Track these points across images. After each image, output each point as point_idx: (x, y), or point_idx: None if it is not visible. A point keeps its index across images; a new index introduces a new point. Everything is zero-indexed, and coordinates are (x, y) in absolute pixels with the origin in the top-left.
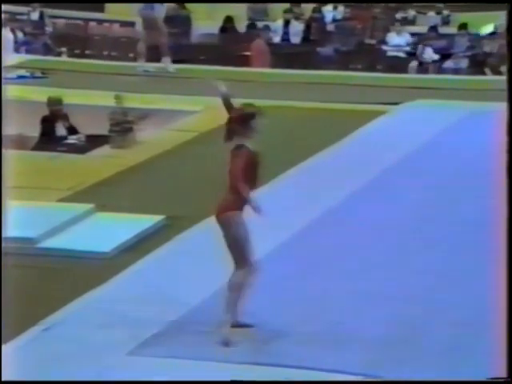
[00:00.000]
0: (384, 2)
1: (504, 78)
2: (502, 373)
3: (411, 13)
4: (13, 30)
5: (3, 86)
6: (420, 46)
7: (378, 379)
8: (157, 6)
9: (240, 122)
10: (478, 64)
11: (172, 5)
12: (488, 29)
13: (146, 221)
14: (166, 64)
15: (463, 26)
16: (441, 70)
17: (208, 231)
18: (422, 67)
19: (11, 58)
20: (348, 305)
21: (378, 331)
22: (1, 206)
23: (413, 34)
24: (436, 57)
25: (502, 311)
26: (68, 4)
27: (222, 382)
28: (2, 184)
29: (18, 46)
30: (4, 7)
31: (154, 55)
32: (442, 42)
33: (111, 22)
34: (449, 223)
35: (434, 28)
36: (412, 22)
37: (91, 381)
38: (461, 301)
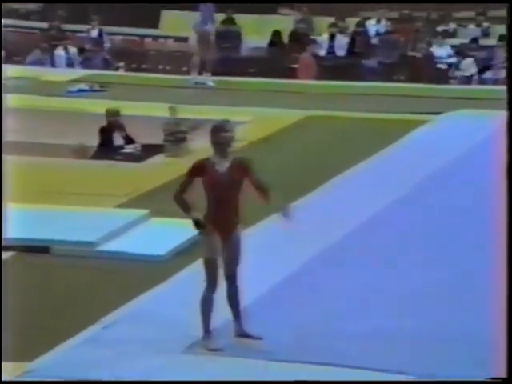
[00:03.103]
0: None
1: None
2: (502, 373)
3: (452, 26)
4: (65, 48)
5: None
6: (461, 58)
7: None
8: (209, 22)
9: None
10: None
11: (222, 21)
12: None
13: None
14: (206, 78)
15: (503, 38)
16: (481, 81)
17: (259, 233)
18: (464, 78)
19: (70, 73)
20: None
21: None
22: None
23: (453, 47)
24: (475, 69)
25: (502, 311)
26: (124, 20)
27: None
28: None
29: (72, 62)
30: (64, 26)
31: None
32: (483, 54)
33: (166, 37)
34: (489, 229)
35: (474, 40)
36: (453, 34)
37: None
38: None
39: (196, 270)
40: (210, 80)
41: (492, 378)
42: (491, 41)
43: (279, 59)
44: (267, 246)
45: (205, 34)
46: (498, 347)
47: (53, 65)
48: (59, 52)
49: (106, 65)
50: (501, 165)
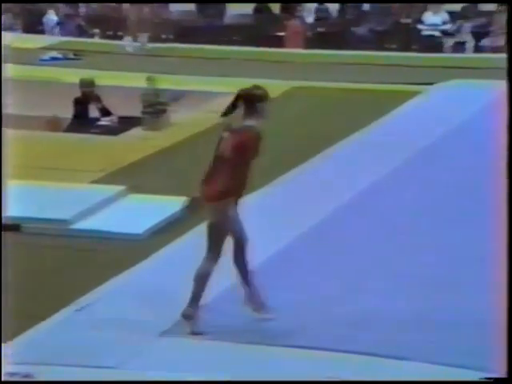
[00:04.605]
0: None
1: None
2: (501, 373)
3: None
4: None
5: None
6: (457, 24)
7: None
8: None
9: (247, 102)
10: None
11: None
12: None
13: (179, 202)
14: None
15: (503, 3)
16: (478, 49)
17: (240, 212)
18: (459, 46)
19: (42, 40)
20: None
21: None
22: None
23: (451, 13)
24: (470, 36)
25: (502, 311)
26: None
27: (228, 382)
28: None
29: (51, 29)
30: None
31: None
32: (481, 20)
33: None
34: (481, 206)
35: (473, 5)
36: None
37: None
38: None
39: (175, 248)
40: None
41: (492, 378)
42: (491, 6)
43: (266, 27)
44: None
45: None
46: (494, 332)
47: (43, 31)
48: (51, 16)
49: (81, 31)
50: (497, 138)
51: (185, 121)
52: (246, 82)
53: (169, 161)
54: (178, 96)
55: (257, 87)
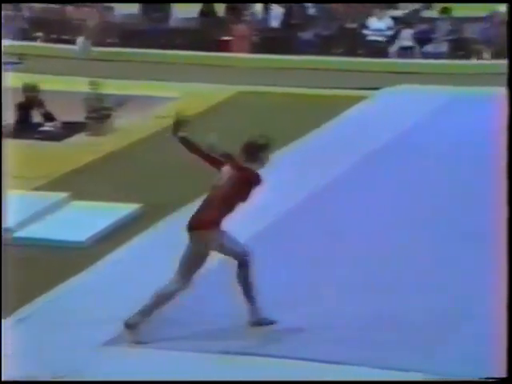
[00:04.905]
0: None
1: (486, 62)
2: (502, 373)
3: None
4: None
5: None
6: (400, 30)
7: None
8: None
9: (251, 151)
10: (459, 48)
11: None
12: (472, 13)
13: (123, 209)
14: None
15: (445, 10)
16: (421, 55)
17: (184, 220)
18: (403, 52)
19: None
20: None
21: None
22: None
23: (395, 19)
24: (412, 42)
25: (502, 310)
26: None
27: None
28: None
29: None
30: None
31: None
32: (424, 26)
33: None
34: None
35: (416, 12)
36: (395, 6)
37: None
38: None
39: (119, 257)
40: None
41: (492, 378)
42: (433, 13)
43: (211, 31)
44: None
45: None
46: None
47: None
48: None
49: (24, 35)
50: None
51: (129, 126)
52: (191, 87)
53: (113, 167)
54: (122, 101)
55: (262, 137)
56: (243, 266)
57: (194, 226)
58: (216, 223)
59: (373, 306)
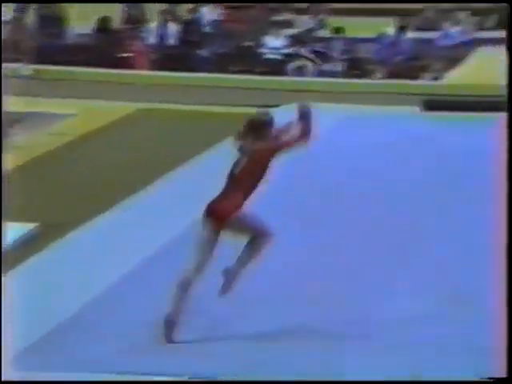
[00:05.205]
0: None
1: (380, 82)
2: (502, 373)
3: (289, 16)
4: None
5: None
6: (297, 49)
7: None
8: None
9: (255, 127)
10: (353, 68)
11: (45, 5)
12: (363, 34)
13: (19, 229)
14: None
15: (339, 30)
16: (318, 73)
17: (81, 239)
18: (299, 70)
19: None
20: None
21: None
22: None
23: (291, 37)
24: (308, 60)
25: (502, 310)
26: None
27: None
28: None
29: None
30: None
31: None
32: (319, 45)
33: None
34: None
35: (310, 31)
36: (291, 24)
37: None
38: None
39: (14, 278)
40: (25, 69)
41: (492, 378)
42: (326, 32)
43: (109, 47)
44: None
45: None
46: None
47: None
48: None
49: None
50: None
51: (25, 143)
52: (89, 104)
53: (9, 185)
54: (18, 118)
55: (264, 113)
56: (258, 240)
57: (222, 214)
58: (238, 204)
59: None
